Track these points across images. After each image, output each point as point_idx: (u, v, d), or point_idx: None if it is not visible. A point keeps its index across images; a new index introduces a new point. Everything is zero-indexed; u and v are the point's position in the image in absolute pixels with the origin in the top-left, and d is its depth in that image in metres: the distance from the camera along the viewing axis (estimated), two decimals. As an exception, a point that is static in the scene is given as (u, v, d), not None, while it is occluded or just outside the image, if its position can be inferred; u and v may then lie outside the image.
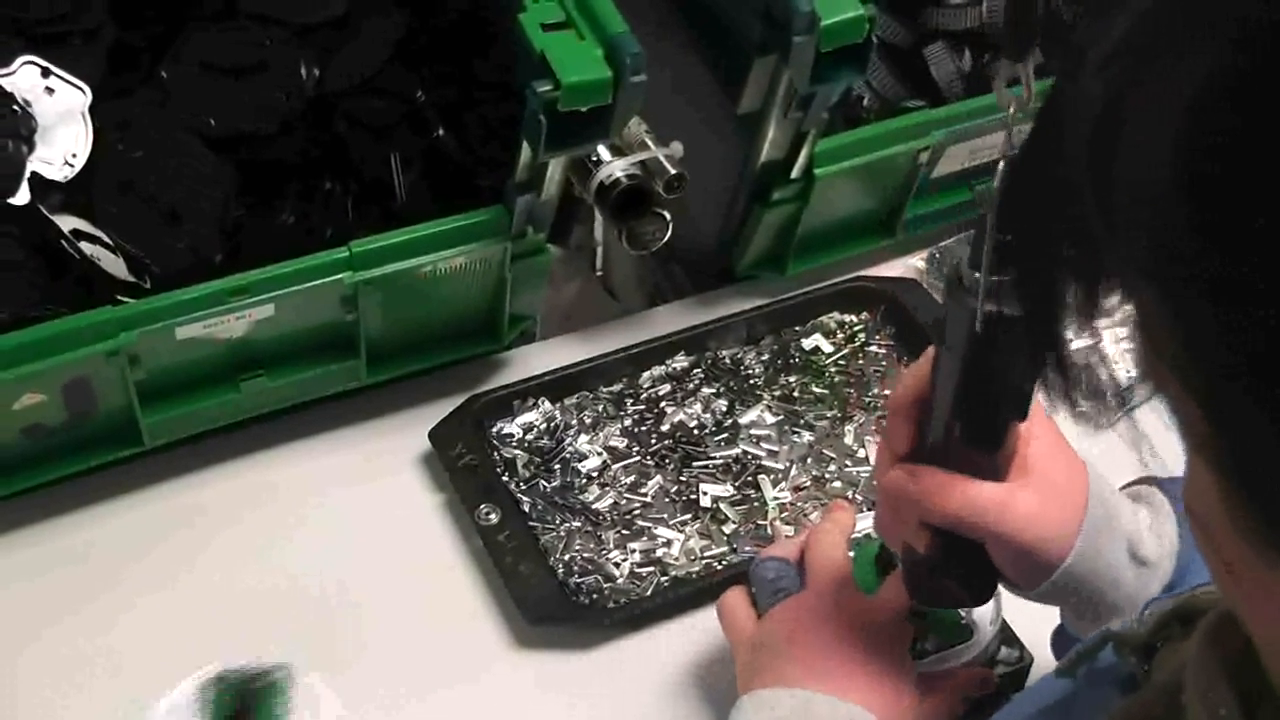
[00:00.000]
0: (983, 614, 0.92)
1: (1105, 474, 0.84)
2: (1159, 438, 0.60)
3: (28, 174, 1.03)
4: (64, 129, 1.04)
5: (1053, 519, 0.80)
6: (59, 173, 1.04)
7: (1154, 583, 0.82)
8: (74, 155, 1.04)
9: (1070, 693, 0.70)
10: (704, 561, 1.07)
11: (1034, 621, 0.93)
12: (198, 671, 0.98)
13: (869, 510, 1.06)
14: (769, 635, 0.90)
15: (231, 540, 1.06)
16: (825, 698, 0.84)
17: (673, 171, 1.07)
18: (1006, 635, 0.96)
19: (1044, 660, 0.95)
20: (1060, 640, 0.89)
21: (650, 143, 1.08)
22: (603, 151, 1.06)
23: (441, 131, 1.13)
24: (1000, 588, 0.86)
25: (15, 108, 1.02)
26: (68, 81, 1.05)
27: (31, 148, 1.03)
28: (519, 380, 1.15)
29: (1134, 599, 0.80)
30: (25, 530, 1.05)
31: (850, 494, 1.11)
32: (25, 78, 1.04)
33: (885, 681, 0.86)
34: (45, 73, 1.05)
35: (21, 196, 1.03)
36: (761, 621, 0.92)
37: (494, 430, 1.13)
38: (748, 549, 1.07)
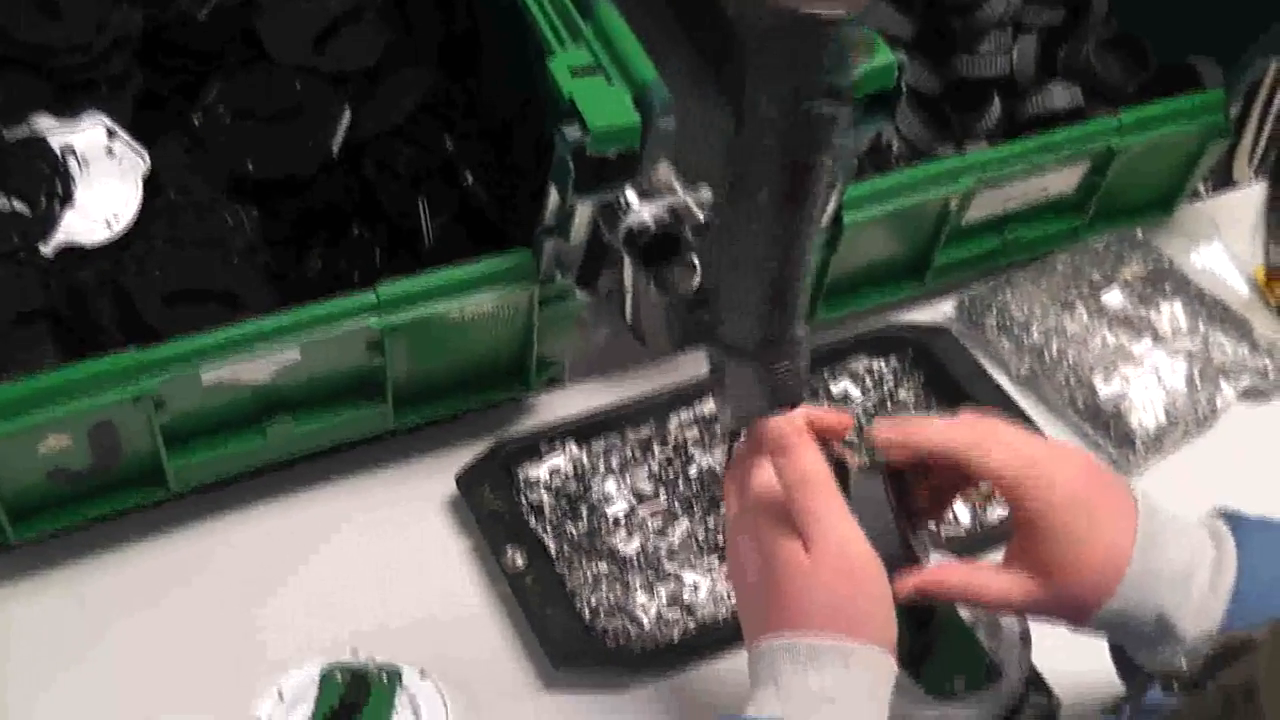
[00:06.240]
0: (1011, 657, 0.91)
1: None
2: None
3: (60, 231, 1.05)
4: (115, 191, 1.05)
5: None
6: (97, 234, 1.05)
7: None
8: (116, 217, 1.05)
9: None
10: (731, 606, 1.06)
11: (1061, 665, 0.94)
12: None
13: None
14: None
15: (254, 587, 1.06)
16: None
17: (701, 216, 1.06)
18: (1035, 680, 0.95)
19: (1071, 705, 0.96)
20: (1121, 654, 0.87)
21: (678, 187, 1.07)
22: (630, 196, 1.06)
23: (470, 178, 1.13)
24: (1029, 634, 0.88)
25: (61, 167, 1.03)
26: (130, 146, 1.06)
27: (65, 206, 1.04)
28: (546, 425, 1.14)
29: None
30: (49, 573, 1.05)
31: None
32: (91, 135, 1.06)
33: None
34: (111, 134, 1.06)
35: (50, 250, 1.04)
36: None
37: (521, 475, 1.12)
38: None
